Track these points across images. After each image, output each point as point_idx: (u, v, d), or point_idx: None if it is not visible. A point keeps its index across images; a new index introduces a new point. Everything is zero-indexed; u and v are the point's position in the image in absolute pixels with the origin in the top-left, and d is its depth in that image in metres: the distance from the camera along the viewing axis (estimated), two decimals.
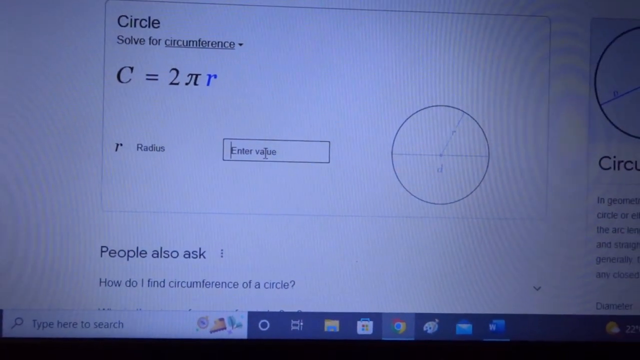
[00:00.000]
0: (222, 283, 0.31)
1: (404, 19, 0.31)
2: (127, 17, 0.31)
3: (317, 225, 0.31)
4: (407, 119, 0.31)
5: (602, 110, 0.32)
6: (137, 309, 0.31)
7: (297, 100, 0.31)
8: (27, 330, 0.30)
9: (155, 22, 0.31)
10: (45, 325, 0.31)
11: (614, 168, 0.32)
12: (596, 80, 0.32)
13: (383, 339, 0.32)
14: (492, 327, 0.32)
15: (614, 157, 0.32)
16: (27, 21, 0.30)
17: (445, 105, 0.32)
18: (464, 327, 0.32)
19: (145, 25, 0.31)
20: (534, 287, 0.32)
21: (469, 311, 0.32)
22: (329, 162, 0.31)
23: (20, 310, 0.30)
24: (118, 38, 0.30)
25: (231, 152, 0.31)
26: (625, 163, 0.32)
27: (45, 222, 0.30)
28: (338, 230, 0.31)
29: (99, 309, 0.31)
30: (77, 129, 0.30)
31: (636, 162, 0.32)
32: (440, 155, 0.32)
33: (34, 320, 0.31)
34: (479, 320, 0.32)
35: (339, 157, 0.31)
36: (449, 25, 0.31)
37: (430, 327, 0.32)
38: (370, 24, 0.31)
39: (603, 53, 0.32)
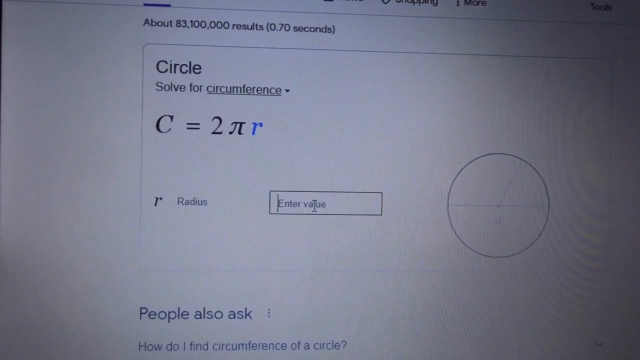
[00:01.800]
0: (270, 344, 0.29)
1: (458, 62, 0.30)
2: (166, 62, 0.29)
3: (369, 281, 0.29)
4: (464, 167, 0.30)
5: None
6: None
7: (348, 149, 0.29)
8: None
9: (197, 67, 0.29)
10: None
11: None
12: None
13: None
14: None
15: None
16: (62, 65, 0.28)
17: (503, 153, 0.30)
18: None
19: (186, 71, 0.29)
20: (597, 344, 0.30)
21: None
22: (381, 214, 0.29)
23: None
24: (157, 85, 0.29)
25: (278, 205, 0.29)
26: None
27: (81, 282, 0.28)
28: (392, 286, 0.29)
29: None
30: (114, 182, 0.28)
31: None
32: (498, 205, 0.30)
33: None
34: None
35: (392, 209, 0.29)
36: (507, 69, 0.30)
37: None
38: (424, 68, 0.29)
39: None
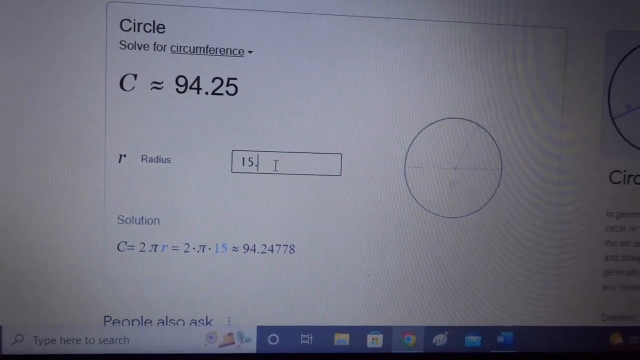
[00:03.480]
0: (232, 296, 0.30)
1: (418, 29, 0.30)
2: (130, 22, 0.29)
3: (327, 239, 0.30)
4: (421, 131, 0.31)
5: (614, 124, 0.32)
6: (145, 323, 0.30)
7: (309, 111, 0.30)
8: (28, 347, 0.29)
9: (161, 27, 0.29)
10: (47, 342, 0.30)
11: (624, 182, 0.32)
12: (610, 93, 0.31)
13: (393, 352, 0.32)
14: (500, 339, 0.32)
15: (625, 171, 0.32)
16: (25, 26, 0.28)
17: (460, 118, 0.31)
18: (473, 340, 0.32)
19: (150, 30, 0.29)
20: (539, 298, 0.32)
21: (478, 324, 0.32)
22: (340, 175, 0.30)
23: (21, 326, 0.29)
24: (121, 43, 0.29)
25: (242, 165, 0.30)
26: (636, 177, 0.32)
27: (48, 235, 0.29)
28: (349, 244, 0.31)
29: (105, 322, 0.30)
30: (78, 139, 0.29)
31: None
32: (455, 168, 0.31)
33: (36, 337, 0.30)
34: (487, 332, 0.32)
35: (351, 170, 0.30)
36: (464, 37, 0.31)
37: (439, 340, 0.32)
38: (385, 34, 0.30)
39: (618, 67, 0.31)
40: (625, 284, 0.32)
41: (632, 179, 0.32)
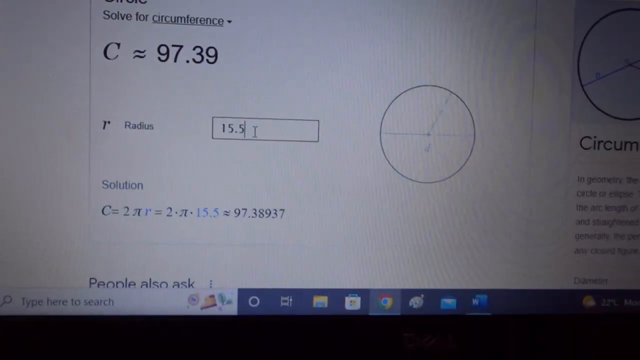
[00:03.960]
0: (213, 259, 0.31)
1: None
2: None
3: (305, 203, 0.31)
4: (395, 98, 0.32)
5: (584, 91, 0.33)
6: (129, 285, 0.31)
7: (287, 78, 0.31)
8: (16, 308, 0.30)
9: None
10: (34, 303, 0.31)
11: (594, 147, 0.33)
12: (579, 61, 0.32)
13: (370, 314, 0.32)
14: (474, 301, 0.33)
15: (595, 137, 0.33)
16: None
17: (433, 85, 0.32)
18: (449, 302, 0.33)
19: (132, 1, 0.30)
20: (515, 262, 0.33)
21: (453, 287, 0.33)
22: (318, 141, 0.31)
23: (9, 287, 0.30)
24: (104, 13, 0.30)
25: (222, 131, 0.31)
26: (605, 143, 0.33)
27: (34, 199, 0.30)
28: (326, 208, 0.32)
29: (90, 283, 0.30)
30: (64, 106, 0.30)
31: (615, 142, 0.33)
32: (428, 134, 0.32)
33: (23, 298, 0.30)
34: (462, 295, 0.33)
35: (328, 136, 0.31)
36: (436, 5, 0.32)
37: (415, 302, 0.33)
38: (360, 4, 0.31)
39: (586, 35, 0.32)
40: (596, 247, 0.33)
41: (601, 145, 0.33)
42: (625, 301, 0.34)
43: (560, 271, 0.33)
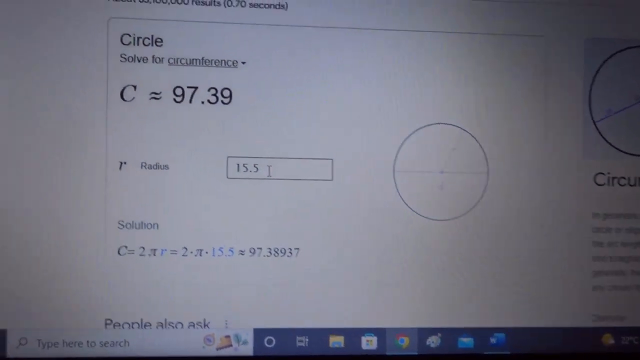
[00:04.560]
0: (229, 299, 0.31)
1: (405, 38, 0.32)
2: (130, 36, 0.31)
3: (320, 241, 0.31)
4: (409, 136, 0.32)
5: (596, 127, 0.33)
6: (144, 325, 0.30)
7: (300, 118, 0.31)
8: (32, 351, 0.30)
9: (158, 40, 0.31)
10: (50, 345, 0.30)
11: (609, 184, 0.33)
12: (590, 98, 0.33)
13: (387, 353, 0.32)
14: (492, 340, 0.32)
15: (608, 173, 0.33)
16: (31, 41, 0.30)
17: (445, 123, 0.32)
18: (466, 341, 0.32)
19: (149, 44, 0.31)
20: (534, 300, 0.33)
21: (470, 325, 0.32)
22: (332, 179, 0.32)
23: (25, 329, 0.30)
24: (121, 56, 0.30)
25: (237, 170, 0.31)
26: (619, 179, 0.33)
27: (51, 240, 0.30)
28: (341, 246, 0.32)
29: (106, 324, 0.30)
30: (81, 147, 0.30)
31: (629, 178, 0.33)
32: (442, 172, 0.32)
33: (39, 340, 0.30)
34: (480, 333, 0.32)
35: (342, 174, 0.32)
36: (449, 45, 0.32)
37: (432, 341, 0.32)
38: (371, 43, 0.32)
39: (597, 72, 0.33)
40: (614, 284, 0.33)
41: (615, 181, 0.33)
42: None
43: (578, 308, 0.33)
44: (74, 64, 0.30)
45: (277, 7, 0.31)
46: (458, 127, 0.32)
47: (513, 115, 0.32)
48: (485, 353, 0.32)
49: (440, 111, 0.32)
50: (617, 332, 0.33)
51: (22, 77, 0.30)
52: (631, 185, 0.33)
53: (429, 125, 0.32)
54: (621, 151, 0.33)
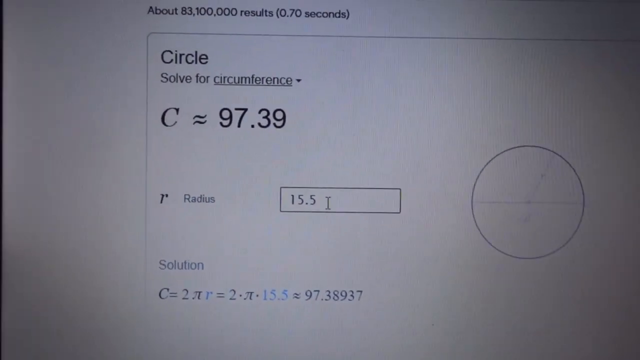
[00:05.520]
0: (283, 347, 0.28)
1: (484, 47, 0.27)
2: (171, 53, 0.27)
3: (386, 283, 0.28)
4: (489, 161, 0.28)
5: None
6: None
7: (364, 143, 0.27)
8: None
9: (203, 57, 0.27)
10: None
11: None
12: None
13: None
14: None
15: None
16: (65, 57, 0.27)
17: (533, 146, 0.28)
18: None
19: (192, 61, 0.27)
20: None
21: None
22: (399, 212, 0.28)
23: None
24: (162, 76, 0.27)
25: (291, 202, 0.27)
26: None
27: (88, 281, 0.27)
28: (410, 289, 0.28)
29: None
30: (119, 178, 0.27)
31: None
32: (527, 202, 0.28)
33: None
34: None
35: (411, 206, 0.28)
36: (535, 53, 0.27)
37: None
38: (446, 55, 0.27)
39: None
40: None
41: None
42: None
43: None
44: (112, 86, 0.27)
45: (337, 15, 0.27)
46: (548, 150, 0.28)
47: (615, 136, 0.28)
48: None
49: (526, 132, 0.28)
50: None
51: (58, 100, 0.27)
52: None
53: (513, 148, 0.28)
54: None
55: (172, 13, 0.27)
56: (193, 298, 0.27)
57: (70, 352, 0.27)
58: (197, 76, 0.27)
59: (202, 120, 0.27)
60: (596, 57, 0.27)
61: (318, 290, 0.28)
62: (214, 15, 0.27)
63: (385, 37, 0.27)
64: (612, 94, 0.27)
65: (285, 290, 0.28)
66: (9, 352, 0.27)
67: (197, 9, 0.27)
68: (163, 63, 0.27)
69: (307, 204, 0.27)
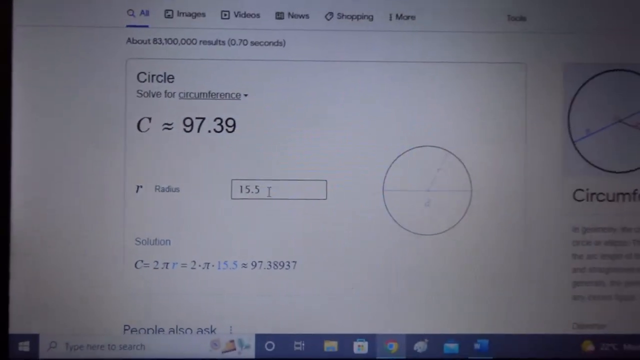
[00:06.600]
0: (233, 308, 0.35)
1: (392, 68, 0.35)
2: (145, 74, 0.34)
3: (315, 255, 0.35)
4: (397, 158, 0.35)
5: (575, 147, 0.35)
6: (158, 331, 0.34)
7: (297, 144, 0.35)
8: (60, 353, 0.34)
9: (170, 77, 0.35)
10: (76, 347, 0.34)
11: (587, 199, 0.35)
12: (569, 119, 0.35)
13: (377, 357, 0.35)
14: (476, 346, 0.35)
15: (587, 189, 0.35)
16: (61, 77, 0.34)
17: (432, 146, 0.35)
18: (451, 347, 0.35)
19: (162, 80, 0.35)
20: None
21: (456, 331, 0.35)
22: (326, 198, 0.35)
23: (55, 334, 0.34)
24: (137, 92, 0.34)
25: (240, 192, 0.34)
26: (598, 195, 0.35)
27: (76, 255, 0.34)
28: (335, 260, 0.35)
29: (124, 330, 0.34)
30: (102, 173, 0.34)
31: (607, 193, 0.35)
32: (428, 190, 0.35)
33: (67, 343, 0.34)
34: (464, 340, 0.35)
35: (335, 194, 0.35)
36: (434, 73, 0.35)
37: (420, 347, 0.35)
38: (362, 74, 0.35)
39: (575, 94, 0.35)
40: (593, 294, 0.35)
41: (594, 196, 0.35)
42: (625, 345, 0.35)
43: (559, 317, 0.35)
44: (98, 99, 0.34)
45: (276, 44, 0.35)
46: (443, 149, 0.35)
47: (495, 137, 0.35)
48: (470, 358, 0.35)
49: (427, 135, 0.35)
50: (596, 339, 0.35)
51: (55, 110, 0.34)
52: (609, 201, 0.35)
53: (416, 147, 0.35)
54: (599, 168, 0.35)
55: (146, 43, 0.35)
56: (162, 268, 0.34)
57: (60, 315, 0.34)
58: (165, 92, 0.35)
59: (169, 127, 0.35)
60: (478, 75, 0.35)
61: (261, 261, 0.35)
62: (179, 44, 0.35)
63: (312, 60, 0.35)
64: (490, 103, 0.35)
65: (236, 262, 0.35)
66: (17, 308, 0.34)
67: (165, 39, 0.35)
68: (138, 82, 0.35)
69: (252, 192, 0.35)
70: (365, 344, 0.35)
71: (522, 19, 0.35)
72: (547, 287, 0.35)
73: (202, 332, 0.35)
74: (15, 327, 0.34)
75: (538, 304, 0.35)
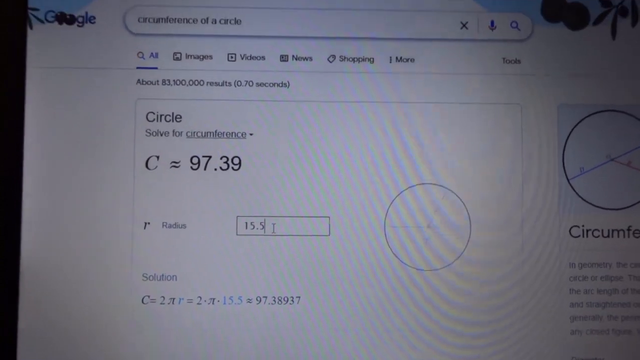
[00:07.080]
0: (239, 341, 0.35)
1: (392, 109, 0.36)
2: (154, 113, 0.36)
3: (318, 290, 0.35)
4: (398, 195, 0.36)
5: (570, 184, 0.36)
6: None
7: (301, 181, 0.36)
8: None
9: (178, 117, 0.36)
10: None
11: (583, 236, 0.36)
12: (564, 158, 0.36)
13: None
14: None
15: (583, 226, 0.36)
16: (73, 117, 0.35)
17: (431, 183, 0.36)
18: None
19: (170, 120, 0.36)
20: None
21: None
22: (329, 234, 0.36)
23: None
24: (146, 131, 0.36)
25: (245, 228, 0.35)
26: (593, 231, 0.36)
27: (85, 290, 0.35)
28: (338, 295, 0.35)
29: None
30: (111, 209, 0.35)
31: (602, 230, 0.36)
32: (427, 226, 0.36)
33: None
34: None
35: (338, 230, 0.36)
36: (433, 114, 0.36)
37: None
38: (364, 114, 0.36)
39: (569, 134, 0.36)
40: (591, 328, 0.36)
41: (589, 232, 0.36)
42: None
43: (558, 351, 0.36)
44: (109, 138, 0.35)
45: (280, 85, 0.36)
46: (443, 186, 0.36)
47: (493, 176, 0.36)
48: None
49: (426, 173, 0.36)
50: None
51: (67, 149, 0.35)
52: (604, 237, 0.36)
53: (417, 185, 0.36)
54: (594, 205, 0.36)
55: (155, 84, 0.36)
56: (168, 303, 0.35)
57: (71, 349, 0.35)
58: (173, 131, 0.36)
59: (177, 165, 0.36)
60: (475, 116, 0.36)
61: (266, 296, 0.36)
62: (187, 85, 0.36)
63: (316, 101, 0.36)
64: (487, 143, 0.36)
65: (241, 296, 0.35)
66: (25, 342, 0.35)
67: (174, 80, 0.36)
68: (147, 121, 0.36)
69: (257, 229, 0.36)
70: None
71: (517, 61, 0.37)
72: (546, 322, 0.36)
73: None
74: None
75: (537, 338, 0.36)
